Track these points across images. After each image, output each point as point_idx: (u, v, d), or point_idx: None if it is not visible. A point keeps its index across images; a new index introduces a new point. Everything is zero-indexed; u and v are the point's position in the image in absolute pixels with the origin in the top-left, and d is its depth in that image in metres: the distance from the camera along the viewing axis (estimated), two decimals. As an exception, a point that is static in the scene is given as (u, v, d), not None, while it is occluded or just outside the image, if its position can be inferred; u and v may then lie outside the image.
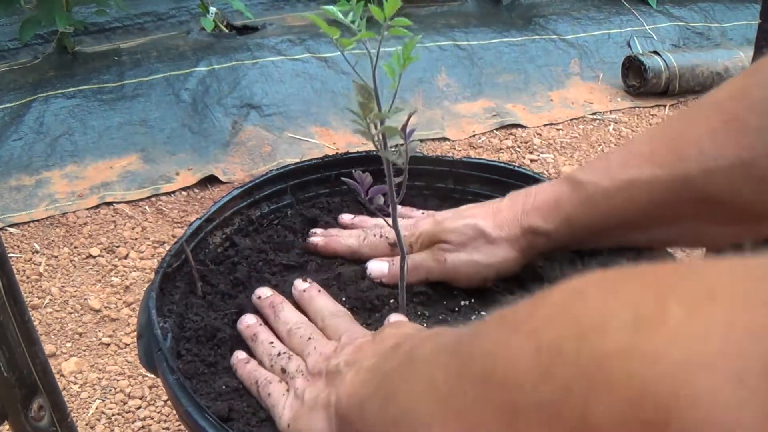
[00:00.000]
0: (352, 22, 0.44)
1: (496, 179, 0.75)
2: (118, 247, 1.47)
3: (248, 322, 0.57)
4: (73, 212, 1.57)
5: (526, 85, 2.23)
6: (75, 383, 1.17)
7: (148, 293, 0.56)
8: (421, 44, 2.12)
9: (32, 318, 0.52)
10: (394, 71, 0.45)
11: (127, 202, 1.62)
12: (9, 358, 0.49)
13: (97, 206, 1.59)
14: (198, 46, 2.03)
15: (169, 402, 1.13)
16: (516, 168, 0.74)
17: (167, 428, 1.10)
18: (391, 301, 0.61)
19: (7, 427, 0.51)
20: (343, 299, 0.61)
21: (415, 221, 0.65)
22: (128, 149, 1.76)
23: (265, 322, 0.57)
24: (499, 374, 0.29)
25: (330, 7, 0.44)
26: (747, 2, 2.72)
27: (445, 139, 1.94)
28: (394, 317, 0.55)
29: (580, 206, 0.55)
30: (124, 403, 1.14)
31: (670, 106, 2.22)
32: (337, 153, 0.76)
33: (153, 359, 0.52)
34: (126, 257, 1.45)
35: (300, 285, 0.60)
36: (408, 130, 0.49)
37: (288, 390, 0.49)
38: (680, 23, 2.59)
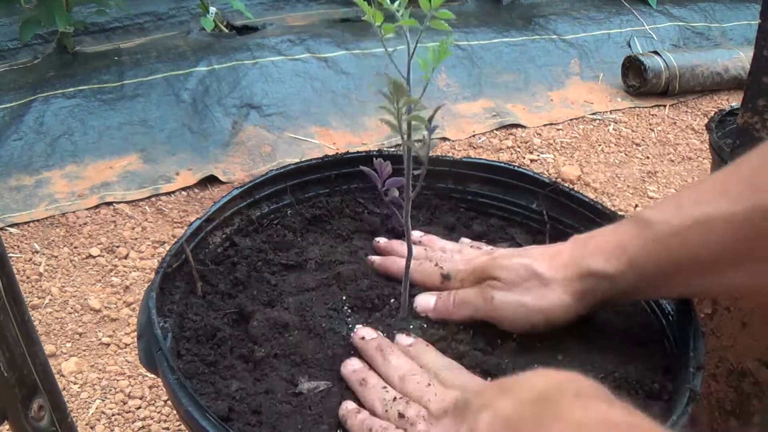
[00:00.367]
0: (398, 10, 0.45)
1: (496, 179, 0.75)
2: (118, 247, 1.47)
3: (354, 366, 0.54)
4: (73, 212, 1.57)
5: (526, 85, 2.23)
6: (75, 383, 1.17)
7: (148, 293, 0.56)
8: (420, 44, 2.11)
9: (32, 318, 0.52)
10: (427, 64, 0.46)
11: (127, 202, 1.62)
12: (9, 358, 0.49)
13: (97, 206, 1.59)
14: (198, 46, 2.03)
15: (169, 402, 1.13)
16: (516, 168, 0.74)
17: (167, 428, 1.10)
18: (392, 300, 0.61)
19: (7, 427, 0.51)
20: (343, 298, 0.61)
21: (474, 256, 0.61)
22: (128, 149, 1.76)
23: (369, 365, 0.54)
24: None
25: None
26: (747, 2, 2.72)
27: (445, 139, 1.94)
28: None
29: (648, 246, 0.51)
30: (124, 403, 1.14)
31: (670, 106, 2.22)
32: (337, 153, 0.76)
33: (153, 359, 0.52)
34: (126, 257, 1.45)
35: (404, 340, 0.56)
36: (431, 124, 0.49)
37: None
38: (680, 23, 2.59)
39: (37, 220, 1.54)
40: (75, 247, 1.47)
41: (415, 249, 0.61)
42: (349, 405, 0.51)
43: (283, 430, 0.50)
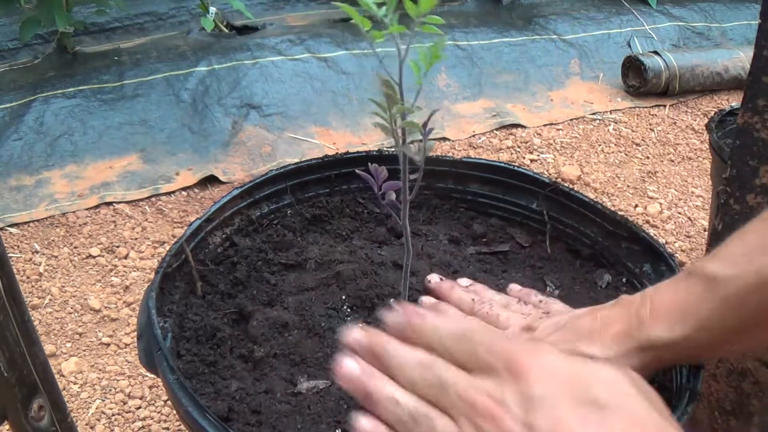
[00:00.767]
0: (385, 16, 0.43)
1: (496, 179, 0.75)
2: (118, 247, 1.47)
3: (350, 374, 0.42)
4: (73, 212, 1.57)
5: (526, 85, 2.23)
6: (75, 383, 1.17)
7: (148, 293, 0.56)
8: (420, 44, 2.11)
9: (32, 318, 0.52)
10: (419, 68, 0.45)
11: (127, 202, 1.62)
12: (9, 358, 0.49)
13: (97, 206, 1.59)
14: (198, 46, 2.03)
15: (169, 402, 1.13)
16: (516, 168, 0.74)
17: (167, 428, 1.10)
18: (392, 300, 0.61)
19: (7, 427, 0.51)
20: (343, 298, 0.61)
21: (542, 328, 0.54)
22: (128, 149, 1.76)
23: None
24: None
25: (366, 0, 0.43)
26: (747, 2, 2.72)
27: (445, 139, 1.94)
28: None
29: (721, 308, 0.46)
30: (124, 403, 1.14)
31: (670, 106, 2.22)
32: (336, 153, 0.76)
33: (153, 359, 0.52)
34: (126, 257, 1.45)
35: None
36: (426, 128, 0.49)
37: None
38: (680, 23, 2.59)
39: (37, 220, 1.54)
40: (75, 247, 1.47)
41: (462, 296, 0.61)
42: (366, 425, 0.41)
43: (282, 430, 0.50)
